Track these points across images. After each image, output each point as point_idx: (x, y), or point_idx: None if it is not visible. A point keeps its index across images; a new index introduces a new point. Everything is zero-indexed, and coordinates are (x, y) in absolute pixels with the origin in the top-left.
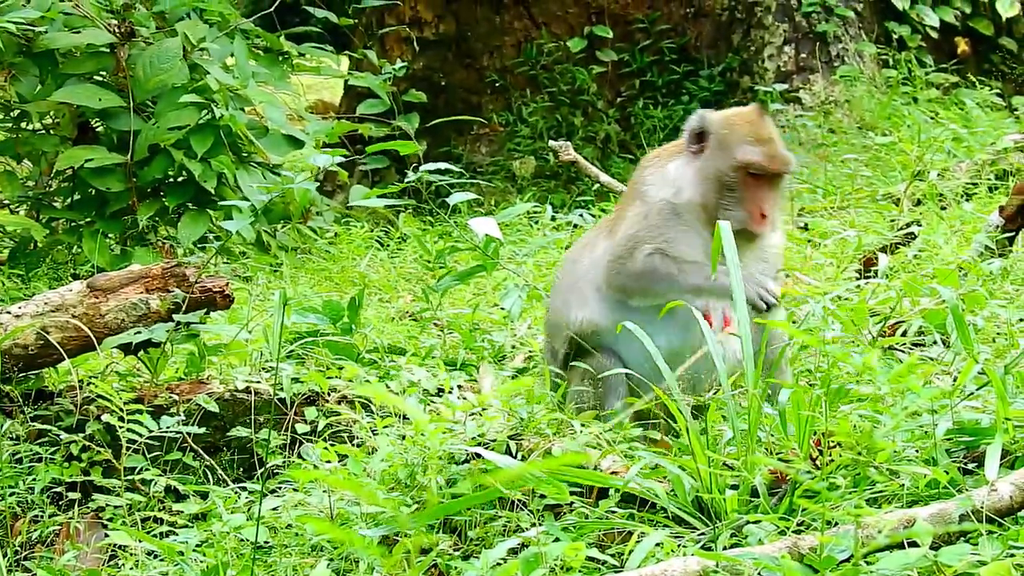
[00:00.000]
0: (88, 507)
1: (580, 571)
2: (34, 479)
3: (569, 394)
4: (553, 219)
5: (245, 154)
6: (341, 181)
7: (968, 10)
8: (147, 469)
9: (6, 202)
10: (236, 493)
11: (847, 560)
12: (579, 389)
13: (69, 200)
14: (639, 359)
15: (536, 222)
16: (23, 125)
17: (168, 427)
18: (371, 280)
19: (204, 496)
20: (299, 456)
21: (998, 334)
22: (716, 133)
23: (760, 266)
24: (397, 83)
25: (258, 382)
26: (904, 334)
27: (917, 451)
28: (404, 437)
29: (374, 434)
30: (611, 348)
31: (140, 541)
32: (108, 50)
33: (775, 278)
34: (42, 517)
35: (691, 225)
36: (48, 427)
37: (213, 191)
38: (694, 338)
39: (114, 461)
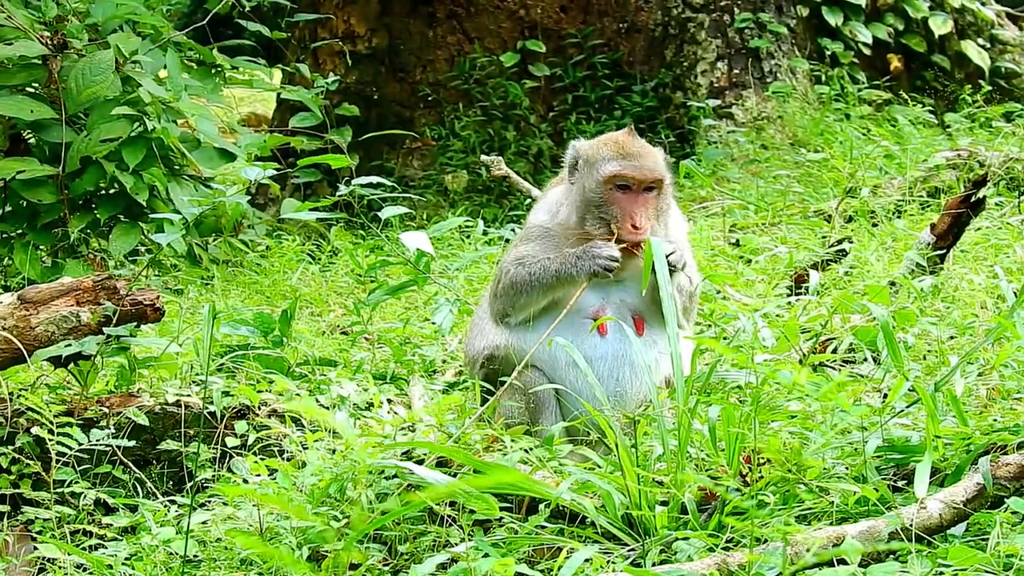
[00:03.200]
0: (17, 520)
1: None
2: None
3: (499, 410)
4: (485, 233)
5: (177, 167)
6: (273, 194)
7: (901, 27)
8: (77, 482)
9: None
10: (166, 507)
11: None
12: (509, 405)
13: (0, 212)
14: (563, 374)
15: (468, 236)
16: None
17: (98, 440)
18: (303, 293)
19: (134, 509)
20: (229, 470)
21: (929, 351)
22: (584, 156)
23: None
24: (330, 97)
25: (188, 395)
26: (835, 351)
27: (847, 468)
28: (334, 452)
29: (304, 448)
30: (537, 366)
31: (69, 554)
32: (40, 62)
33: (687, 255)
34: None
35: (560, 243)
36: None
37: (145, 204)
38: (593, 344)
39: (44, 474)
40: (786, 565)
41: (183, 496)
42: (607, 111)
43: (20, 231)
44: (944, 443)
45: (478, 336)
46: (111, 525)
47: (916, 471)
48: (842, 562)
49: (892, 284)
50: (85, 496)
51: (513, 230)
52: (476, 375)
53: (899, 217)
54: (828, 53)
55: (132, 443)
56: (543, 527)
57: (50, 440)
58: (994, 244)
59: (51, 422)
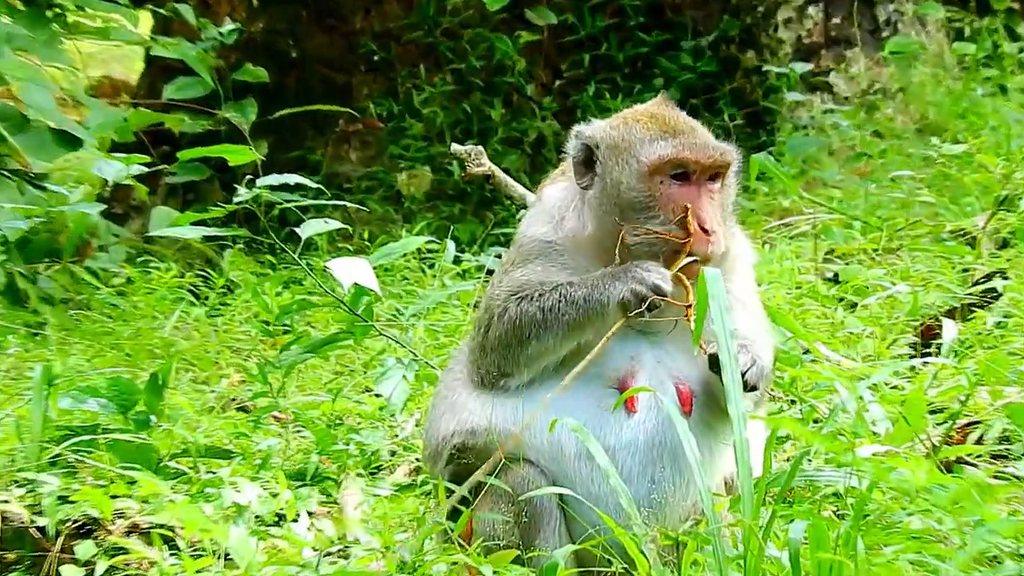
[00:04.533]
0: None
1: None
2: None
3: (476, 526)
4: (457, 261)
5: None
6: (138, 200)
7: None
8: None
9: None
10: None
11: None
12: (492, 518)
13: None
14: (572, 471)
15: (431, 266)
16: None
17: None
18: (181, 350)
19: None
20: None
21: None
22: (608, 143)
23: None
24: (224, 54)
25: (6, 501)
26: (980, 441)
27: None
28: None
29: None
30: (533, 459)
31: None
32: None
33: (759, 335)
34: None
35: (573, 265)
36: None
37: None
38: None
39: None
40: None
41: None
42: (642, 79)
43: None
44: None
45: (446, 414)
46: None
47: None
48: None
49: None
50: None
51: (499, 256)
52: (442, 473)
53: None
54: None
55: None
56: None
57: None
58: None
59: None
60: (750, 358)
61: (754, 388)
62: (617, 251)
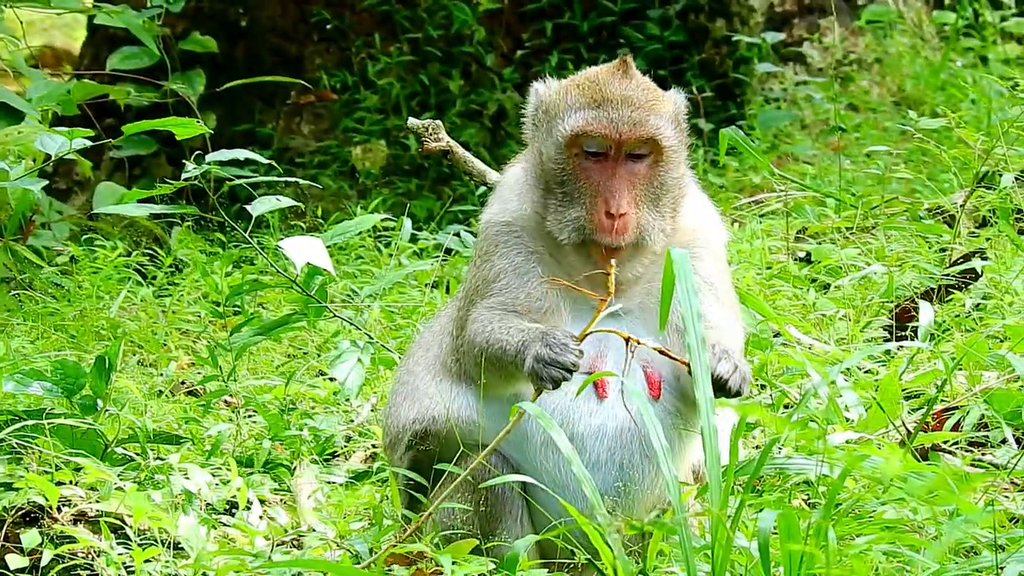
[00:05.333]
0: None
1: None
2: None
3: (435, 515)
4: (414, 239)
5: None
6: (82, 176)
7: None
8: None
9: None
10: None
11: None
12: (452, 507)
13: None
14: (536, 459)
15: (387, 244)
16: None
17: None
18: (128, 331)
19: None
20: None
21: None
22: (545, 105)
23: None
24: (171, 22)
25: None
26: (957, 428)
27: None
28: None
29: (129, 572)
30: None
31: None
32: None
33: (728, 322)
34: None
35: (534, 248)
36: None
37: None
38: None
39: None
40: None
41: None
42: (607, 49)
43: None
44: None
45: (406, 400)
46: None
47: None
48: None
49: None
50: None
51: (458, 235)
52: (400, 460)
53: None
54: None
55: None
56: None
57: None
58: None
59: None
60: (732, 365)
61: (738, 394)
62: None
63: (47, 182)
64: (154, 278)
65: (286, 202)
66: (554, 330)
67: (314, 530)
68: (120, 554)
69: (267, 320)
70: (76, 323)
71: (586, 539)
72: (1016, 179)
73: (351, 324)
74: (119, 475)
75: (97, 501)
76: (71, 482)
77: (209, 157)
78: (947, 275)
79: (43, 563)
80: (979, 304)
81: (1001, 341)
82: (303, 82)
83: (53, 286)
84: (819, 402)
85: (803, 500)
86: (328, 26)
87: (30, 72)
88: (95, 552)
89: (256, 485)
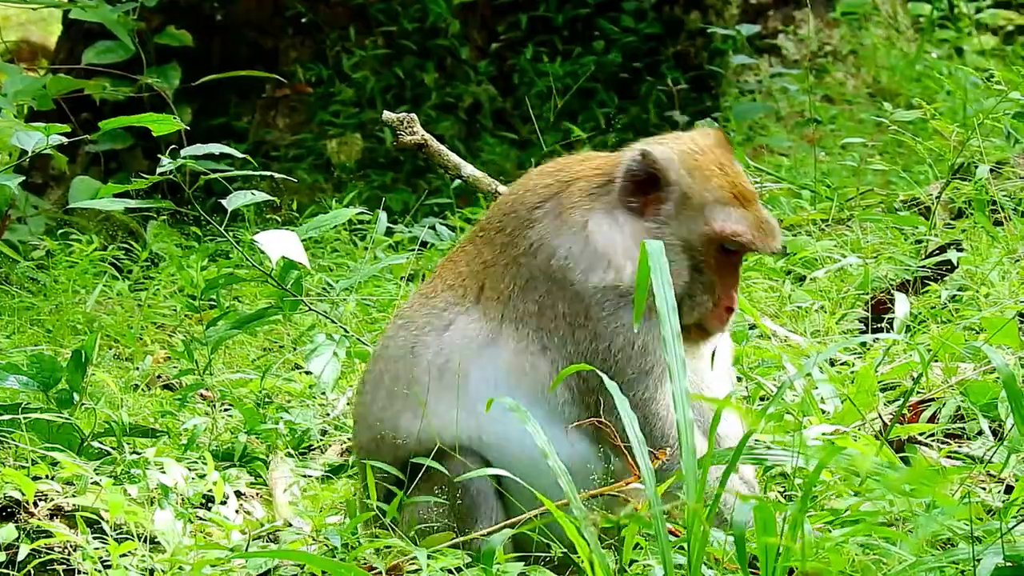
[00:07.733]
0: None
1: None
2: None
3: (411, 510)
4: (390, 232)
5: None
6: (58, 170)
7: None
8: None
9: None
10: None
11: None
12: (428, 501)
13: None
14: (516, 460)
15: (363, 237)
16: None
17: None
18: (104, 325)
19: None
20: None
21: None
22: (680, 190)
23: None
24: (147, 16)
25: None
26: (933, 420)
27: None
28: (152, 573)
29: (106, 567)
30: (471, 446)
31: None
32: None
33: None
34: None
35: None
36: None
37: None
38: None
39: None
40: None
41: None
42: (582, 41)
43: None
44: None
45: (407, 412)
46: None
47: None
48: None
49: (1023, 316)
50: None
51: (433, 228)
52: (381, 459)
53: None
54: None
55: None
56: None
57: None
58: None
59: None
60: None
61: None
62: None
63: (23, 177)
64: (130, 272)
65: (261, 196)
66: None
67: (290, 524)
68: (97, 548)
69: (243, 314)
70: (52, 317)
71: (561, 534)
72: (991, 170)
73: (327, 318)
74: (95, 469)
75: (74, 495)
76: (47, 476)
77: (184, 151)
78: (923, 267)
79: (19, 558)
80: (955, 296)
81: (977, 333)
82: (278, 76)
83: (29, 280)
84: (795, 394)
85: (779, 493)
86: (303, 19)
87: (6, 67)
88: (72, 547)
89: (232, 479)
